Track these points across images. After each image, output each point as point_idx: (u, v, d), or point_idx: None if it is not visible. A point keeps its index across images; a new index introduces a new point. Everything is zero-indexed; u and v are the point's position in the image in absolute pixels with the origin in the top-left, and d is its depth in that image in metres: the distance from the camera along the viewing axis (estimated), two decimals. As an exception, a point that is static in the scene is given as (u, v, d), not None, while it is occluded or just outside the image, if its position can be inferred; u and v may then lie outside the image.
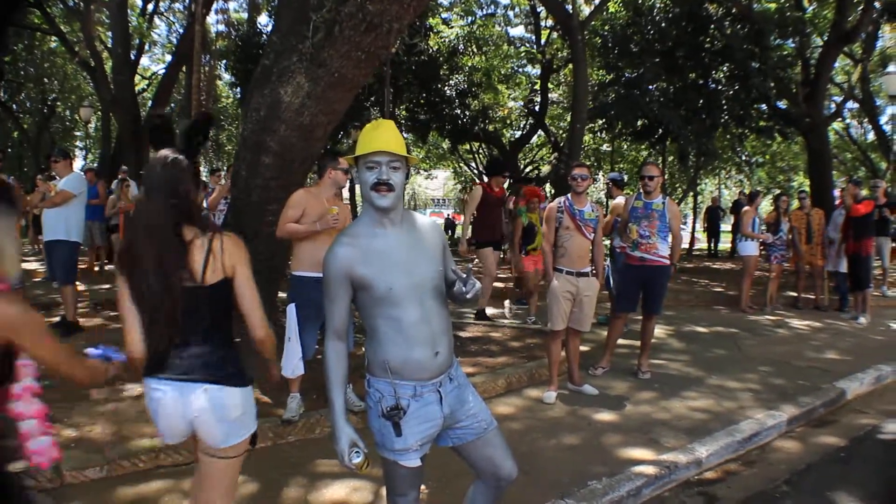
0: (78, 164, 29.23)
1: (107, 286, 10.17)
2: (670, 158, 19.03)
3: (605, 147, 25.40)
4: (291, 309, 4.61)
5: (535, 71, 25.00)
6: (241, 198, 5.80)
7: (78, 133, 31.01)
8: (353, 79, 5.32)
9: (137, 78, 24.57)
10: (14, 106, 27.87)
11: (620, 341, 6.72)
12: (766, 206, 22.12)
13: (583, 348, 6.13)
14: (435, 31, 20.59)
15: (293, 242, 4.76)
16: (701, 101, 16.53)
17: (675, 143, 17.02)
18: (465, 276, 2.45)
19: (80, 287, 10.40)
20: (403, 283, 2.36)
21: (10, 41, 24.62)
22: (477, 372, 5.82)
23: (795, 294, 11.14)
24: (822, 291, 10.81)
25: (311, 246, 4.58)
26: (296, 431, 4.63)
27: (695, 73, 16.84)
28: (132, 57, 21.04)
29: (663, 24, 16.34)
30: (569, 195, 5.53)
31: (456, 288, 2.44)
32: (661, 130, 16.64)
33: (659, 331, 7.50)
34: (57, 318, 7.37)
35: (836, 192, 17.15)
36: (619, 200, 8.09)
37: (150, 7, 24.09)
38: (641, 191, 6.22)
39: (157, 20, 26.01)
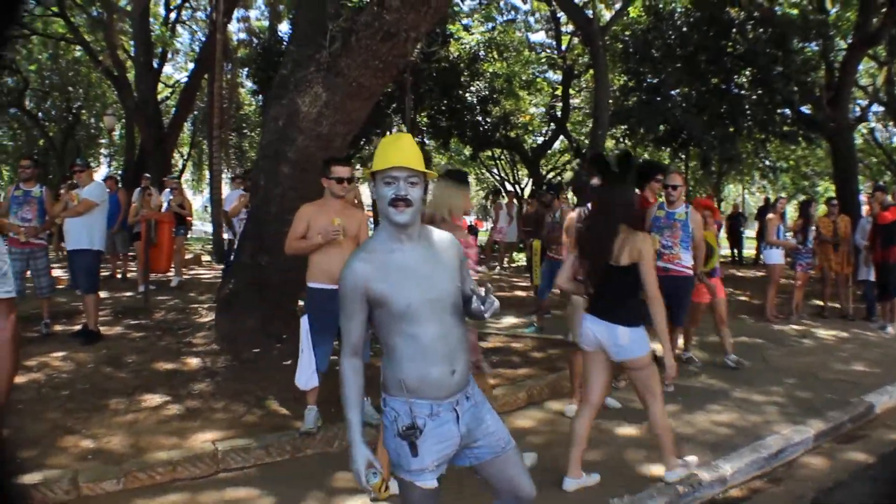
0: (103, 171, 29.52)
1: (129, 293, 10.25)
2: (692, 164, 18.85)
3: (627, 153, 25.22)
4: (304, 321, 4.58)
5: (556, 77, 24.91)
6: (261, 207, 5.80)
7: (103, 141, 31.27)
8: (370, 88, 5.30)
9: (161, 86, 24.81)
10: (40, 114, 28.22)
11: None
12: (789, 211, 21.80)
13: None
14: (455, 37, 20.61)
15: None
16: (723, 107, 16.36)
17: (697, 149, 16.86)
18: (483, 293, 2.40)
19: (103, 295, 10.51)
20: (422, 299, 2.32)
21: (34, 48, 25.04)
22: (498, 384, 5.75)
23: (821, 303, 10.95)
24: (847, 300, 10.62)
25: (323, 257, 4.53)
26: (314, 445, 4.60)
27: (717, 77, 16.67)
28: (155, 66, 21.26)
29: (685, 29, 16.20)
30: (589, 205, 5.44)
31: (474, 305, 2.42)
32: (683, 136, 16.49)
33: (682, 342, 7.36)
34: (79, 327, 7.42)
35: (862, 198, 16.89)
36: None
37: (173, 16, 24.30)
38: (664, 200, 6.12)
39: (179, 29, 26.21)
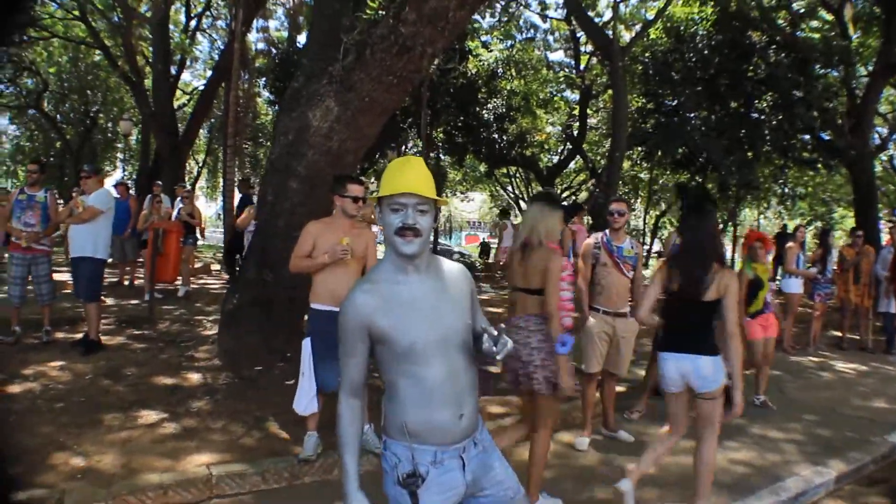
0: (117, 176, 29.63)
1: (135, 301, 10.11)
2: (709, 188, 18.57)
3: (643, 175, 24.98)
4: (307, 343, 4.41)
5: (573, 96, 24.81)
6: (268, 222, 5.64)
7: (120, 145, 31.41)
8: (383, 103, 5.13)
9: (179, 93, 24.88)
10: (58, 117, 28.35)
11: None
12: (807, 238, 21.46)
13: (619, 389, 5.82)
14: (474, 54, 20.52)
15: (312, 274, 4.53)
16: (743, 131, 16.12)
17: (715, 174, 16.62)
18: (496, 333, 2.20)
19: (109, 302, 10.40)
20: (428, 337, 2.13)
21: (55, 51, 25.17)
22: (506, 412, 5.55)
23: (840, 334, 10.67)
24: (867, 332, 10.34)
25: (328, 278, 4.36)
26: (313, 472, 4.42)
27: (737, 102, 16.43)
28: (174, 72, 21.31)
29: (706, 52, 15.98)
30: (607, 231, 5.26)
31: (485, 346, 2.19)
32: (701, 160, 16.25)
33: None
34: (80, 335, 7.28)
35: (882, 225, 16.63)
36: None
37: (193, 24, 24.38)
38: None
39: (199, 37, 26.33)
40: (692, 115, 15.97)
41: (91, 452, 4.46)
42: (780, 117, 16.06)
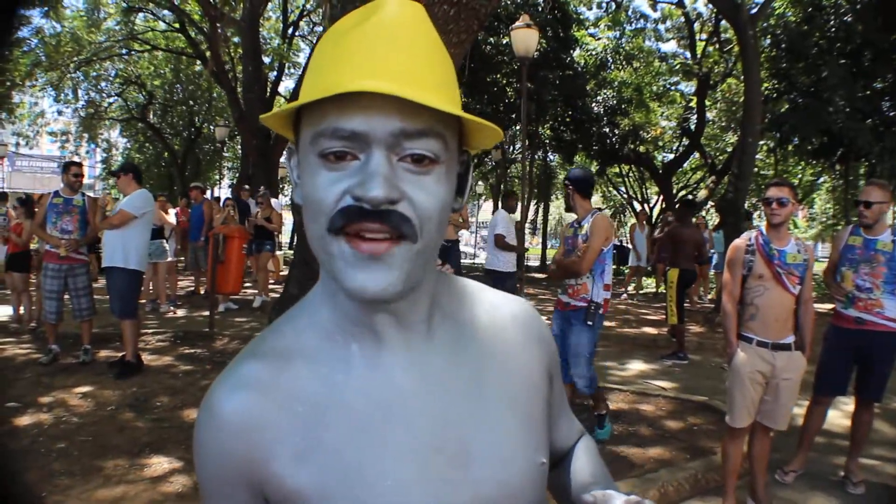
0: (224, 184, 29.90)
1: (206, 313, 9.18)
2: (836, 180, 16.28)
3: (765, 172, 22.50)
4: None
5: (689, 88, 22.99)
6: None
7: (227, 154, 31.69)
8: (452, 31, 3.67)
9: (282, 101, 24.68)
10: (168, 129, 28.88)
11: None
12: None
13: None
14: (581, 44, 19.23)
15: None
16: (894, 113, 13.88)
17: (861, 163, 14.39)
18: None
19: (180, 313, 9.67)
20: None
21: (160, 63, 25.51)
22: (619, 475, 4.06)
23: None
24: None
25: None
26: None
27: (886, 78, 14.13)
28: (271, 77, 21.05)
29: (848, 18, 13.75)
30: (762, 227, 3.73)
31: None
32: (843, 147, 14.07)
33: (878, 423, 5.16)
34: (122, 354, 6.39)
35: None
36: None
37: (290, 31, 24.14)
38: (859, 223, 4.35)
39: (300, 44, 26.05)
40: (835, 94, 13.73)
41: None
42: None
